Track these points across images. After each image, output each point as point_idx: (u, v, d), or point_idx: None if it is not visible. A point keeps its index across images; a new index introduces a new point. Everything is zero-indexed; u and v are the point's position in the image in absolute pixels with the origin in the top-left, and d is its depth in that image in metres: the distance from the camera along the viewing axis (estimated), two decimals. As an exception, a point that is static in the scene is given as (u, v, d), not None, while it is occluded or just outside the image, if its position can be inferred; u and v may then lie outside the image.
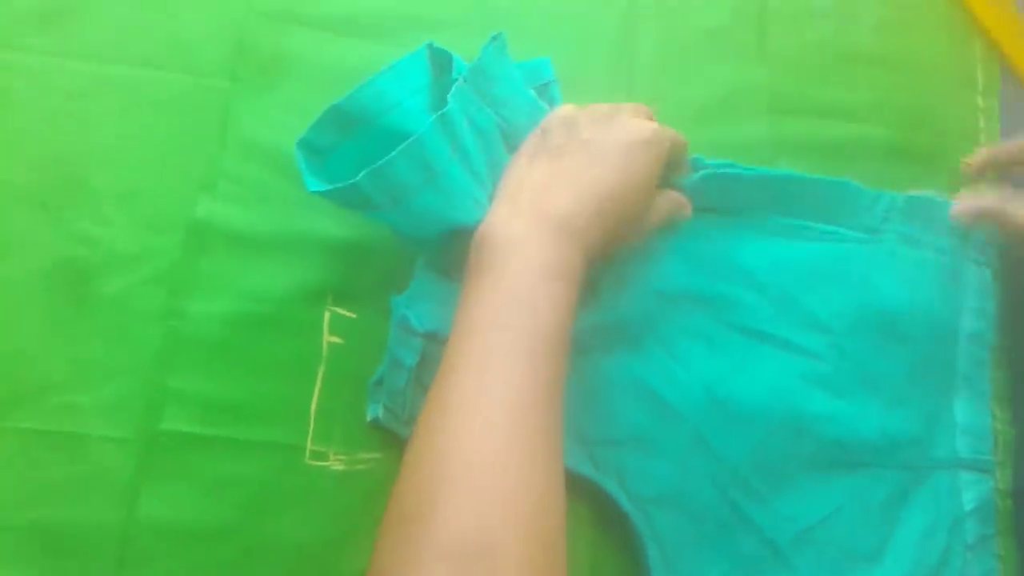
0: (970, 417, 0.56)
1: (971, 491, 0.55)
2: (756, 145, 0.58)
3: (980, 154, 0.59)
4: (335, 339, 0.51)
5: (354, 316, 0.52)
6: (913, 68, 0.62)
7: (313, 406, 0.50)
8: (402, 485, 0.39)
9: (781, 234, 0.56)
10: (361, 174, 0.43)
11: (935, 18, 0.63)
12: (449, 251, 0.48)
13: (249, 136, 0.53)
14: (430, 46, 0.50)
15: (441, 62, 0.50)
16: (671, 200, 0.52)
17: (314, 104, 0.51)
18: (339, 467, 0.50)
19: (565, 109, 0.49)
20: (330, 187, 0.44)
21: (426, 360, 0.48)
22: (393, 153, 0.43)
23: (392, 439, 0.50)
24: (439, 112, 0.44)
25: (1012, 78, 0.63)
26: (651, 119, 0.50)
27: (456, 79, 0.47)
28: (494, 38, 0.49)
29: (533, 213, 0.45)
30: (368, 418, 0.50)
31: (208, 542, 0.48)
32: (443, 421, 0.39)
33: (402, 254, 0.51)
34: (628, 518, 0.50)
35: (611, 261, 0.50)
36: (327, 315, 0.51)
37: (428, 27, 0.56)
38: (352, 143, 0.46)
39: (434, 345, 0.48)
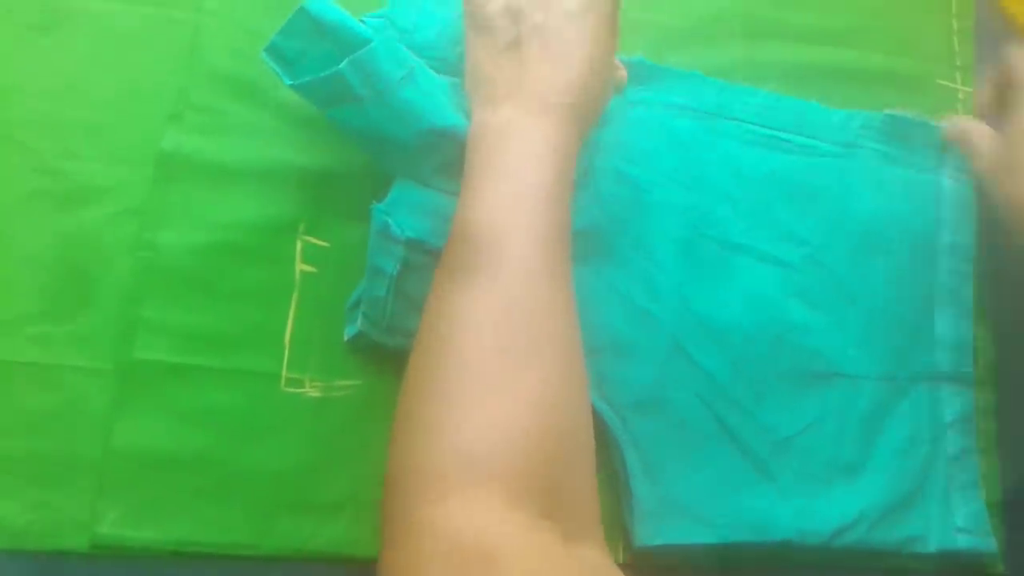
0: (951, 330, 0.57)
1: (952, 404, 0.56)
2: (731, 69, 0.58)
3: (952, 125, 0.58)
4: (308, 268, 0.51)
5: (327, 245, 0.51)
6: (885, -5, 0.62)
7: (288, 334, 0.50)
8: (409, 393, 0.40)
9: (756, 143, 0.56)
10: (344, 62, 0.43)
11: (908, -62, 0.63)
12: (427, 157, 0.48)
13: (216, 66, 0.52)
14: None
15: None
16: (616, 67, 0.51)
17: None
18: (315, 394, 0.50)
19: (495, 3, 0.48)
20: (312, 77, 0.44)
21: (407, 268, 0.48)
22: (373, 43, 0.44)
23: (369, 365, 0.50)
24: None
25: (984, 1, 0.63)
26: None
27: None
28: None
29: (523, 101, 0.45)
30: (345, 337, 0.50)
31: (185, 470, 0.48)
32: (451, 325, 0.40)
33: (374, 182, 0.51)
34: (607, 425, 0.50)
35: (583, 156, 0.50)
36: (299, 244, 0.51)
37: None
38: (319, 51, 0.46)
39: (415, 253, 0.47)
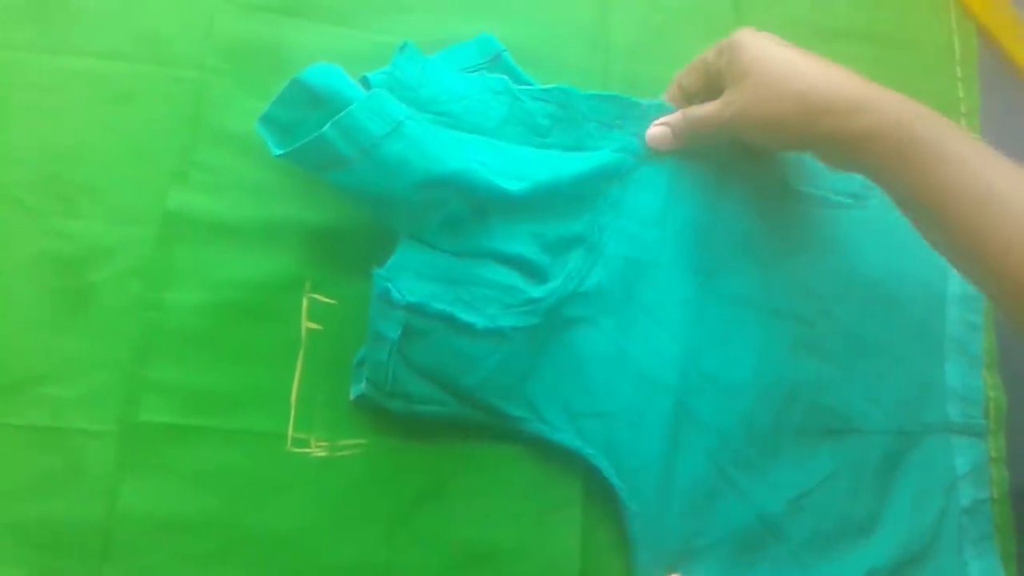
0: (961, 381, 0.56)
1: (964, 455, 0.55)
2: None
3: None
4: (314, 325, 0.51)
5: (333, 302, 0.51)
6: (889, 41, 0.62)
7: (294, 393, 0.50)
8: None
9: (766, 196, 0.55)
10: (327, 125, 0.44)
11: (909, -10, 0.63)
12: (430, 212, 0.48)
13: (220, 125, 0.52)
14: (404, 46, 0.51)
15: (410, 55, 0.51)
16: None
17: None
18: (321, 453, 0.49)
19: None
20: (297, 144, 0.45)
21: (409, 333, 0.47)
22: (354, 103, 0.44)
23: (375, 424, 0.50)
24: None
25: (989, 46, 0.63)
26: None
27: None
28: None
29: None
30: (351, 396, 0.50)
31: (191, 533, 0.47)
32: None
33: (380, 239, 0.51)
34: (615, 491, 0.49)
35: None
36: (305, 301, 0.51)
37: (401, 12, 0.56)
38: (315, 120, 0.46)
39: (417, 318, 0.47)
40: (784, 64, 0.48)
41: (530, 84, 0.54)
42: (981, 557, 0.54)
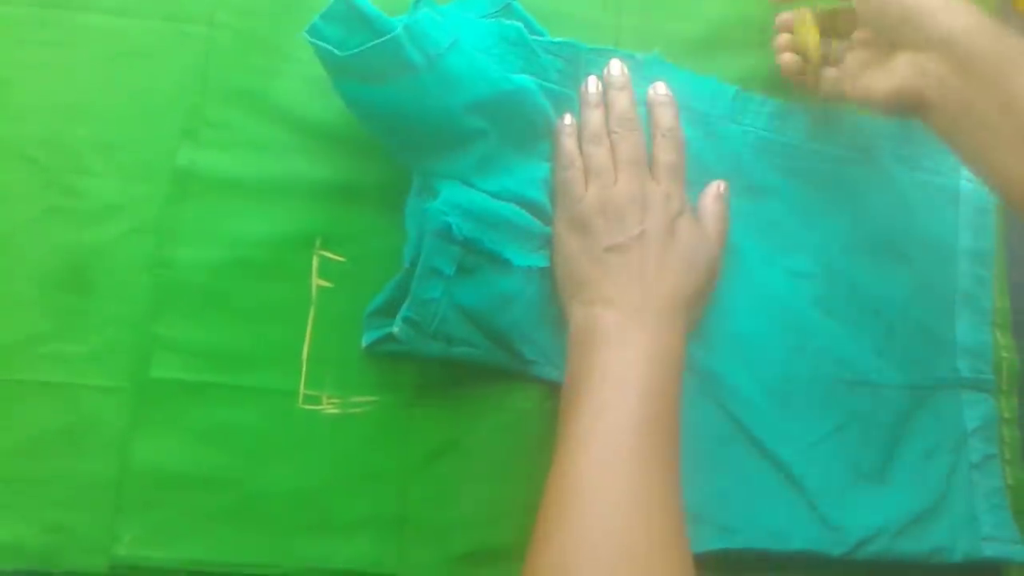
0: (971, 336, 0.56)
1: (973, 410, 0.55)
2: (748, 79, 0.57)
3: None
4: (324, 283, 0.50)
5: (343, 260, 0.51)
6: None
7: (305, 350, 0.50)
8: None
9: (766, 151, 0.55)
10: (398, 28, 0.44)
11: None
12: (471, 146, 0.48)
13: (230, 81, 0.52)
14: None
15: None
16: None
17: (293, 46, 0.51)
18: (333, 411, 0.49)
19: (589, 200, 0.49)
20: (368, 44, 0.44)
21: (460, 271, 0.47)
22: (421, 13, 0.45)
23: (385, 381, 0.50)
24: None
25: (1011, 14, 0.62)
26: (672, 172, 0.51)
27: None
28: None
29: (630, 310, 0.46)
30: (363, 344, 0.49)
31: (204, 489, 0.47)
32: (563, 499, 0.41)
33: (390, 195, 0.51)
34: None
35: None
36: (315, 259, 0.51)
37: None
38: (357, 38, 0.45)
39: (469, 255, 0.47)
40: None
41: (542, 34, 0.54)
42: (992, 511, 0.54)
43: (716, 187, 0.53)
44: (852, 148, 0.57)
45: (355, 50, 0.45)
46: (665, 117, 0.52)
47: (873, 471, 0.53)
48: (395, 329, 0.47)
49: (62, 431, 0.47)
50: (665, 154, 0.51)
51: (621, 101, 0.52)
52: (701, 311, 0.51)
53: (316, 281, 0.50)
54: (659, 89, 0.53)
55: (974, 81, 0.43)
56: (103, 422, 0.47)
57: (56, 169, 0.50)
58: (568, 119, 0.52)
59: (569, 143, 0.51)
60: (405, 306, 0.47)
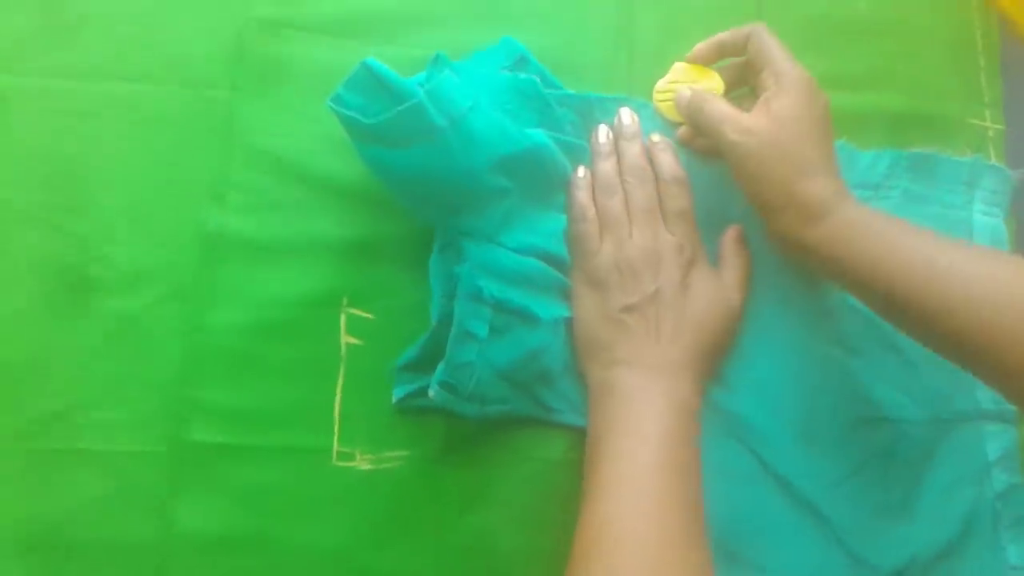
0: None
1: (995, 441, 0.56)
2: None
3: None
4: (353, 340, 0.51)
5: (370, 316, 0.52)
6: (911, 34, 0.62)
7: (336, 407, 0.50)
8: None
9: None
10: (420, 94, 0.45)
11: (929, -18, 0.63)
12: (495, 204, 0.49)
13: (253, 144, 0.53)
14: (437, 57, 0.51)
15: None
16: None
17: (315, 108, 0.52)
18: (366, 467, 0.50)
19: (604, 255, 0.51)
20: (393, 112, 0.45)
21: (493, 331, 0.48)
22: (441, 77, 0.46)
23: (416, 435, 0.51)
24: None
25: (1011, 36, 0.63)
26: (685, 224, 0.52)
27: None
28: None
29: (648, 370, 0.48)
30: (394, 399, 0.50)
31: (244, 550, 0.48)
32: (593, 543, 0.43)
33: (413, 253, 0.52)
34: None
35: None
36: (343, 316, 0.52)
37: (425, 25, 0.56)
38: (378, 104, 0.46)
39: (500, 314, 0.48)
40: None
41: (557, 86, 0.55)
42: (1018, 540, 0.55)
43: (734, 233, 0.54)
44: (865, 185, 0.57)
45: (381, 117, 0.46)
46: (667, 164, 0.53)
47: (899, 506, 0.54)
48: (431, 393, 0.48)
49: (104, 498, 0.48)
50: (673, 201, 0.52)
51: (632, 150, 0.53)
52: (720, 361, 0.53)
53: (345, 338, 0.51)
54: (655, 138, 0.55)
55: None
56: (143, 488, 0.48)
57: (87, 238, 0.51)
58: (581, 171, 0.53)
59: (582, 196, 0.52)
60: (441, 371, 0.48)
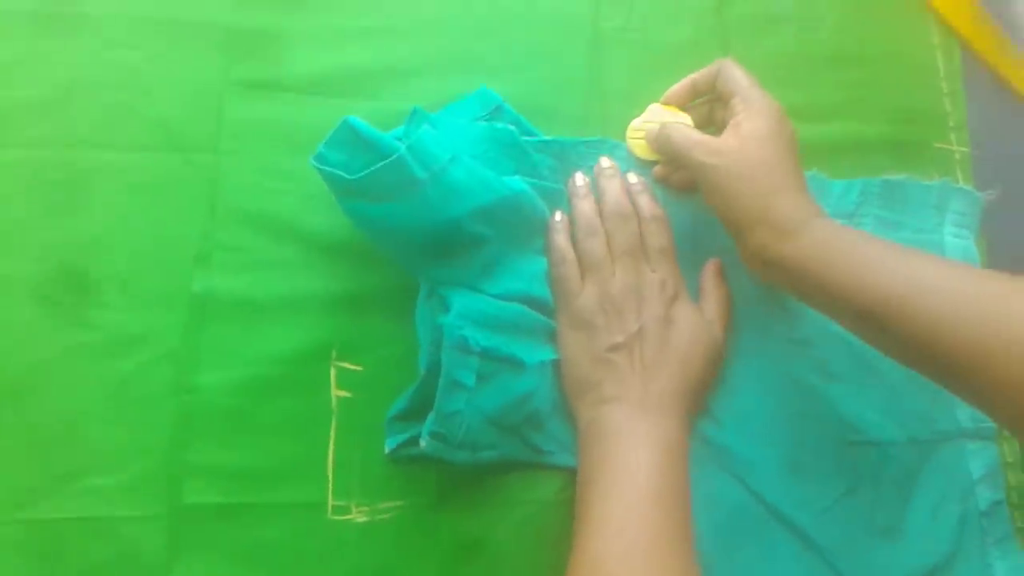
0: None
1: (978, 459, 0.57)
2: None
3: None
4: (343, 393, 0.52)
5: (359, 368, 0.53)
6: (875, 63, 0.63)
7: (330, 461, 0.51)
8: None
9: None
10: (401, 149, 0.46)
11: (890, 12, 0.65)
12: (475, 253, 0.50)
13: (238, 205, 0.54)
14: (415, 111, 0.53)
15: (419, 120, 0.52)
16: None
17: (297, 166, 0.53)
18: (362, 519, 0.51)
19: (587, 296, 0.52)
20: (376, 167, 0.46)
21: (480, 379, 0.49)
22: (420, 132, 0.47)
23: (409, 484, 0.51)
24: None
25: (972, 61, 0.64)
26: (662, 259, 0.53)
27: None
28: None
29: (627, 401, 0.49)
30: (386, 450, 0.51)
31: (243, 609, 0.49)
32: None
33: (399, 305, 0.53)
34: None
35: None
36: (333, 370, 0.52)
37: (400, 78, 0.58)
38: (359, 161, 0.48)
39: (487, 363, 0.49)
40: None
41: (534, 134, 0.56)
42: (1005, 557, 0.56)
43: (713, 267, 0.55)
44: (838, 214, 0.59)
45: (363, 173, 0.47)
46: (645, 203, 0.55)
47: (888, 528, 0.55)
48: (422, 443, 0.49)
49: (105, 564, 0.48)
50: (653, 239, 0.54)
51: (612, 189, 0.55)
52: (706, 393, 0.53)
53: (335, 392, 0.52)
54: (631, 178, 0.56)
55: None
56: (143, 552, 0.49)
57: (73, 305, 0.51)
58: (558, 216, 0.54)
59: (560, 239, 0.54)
60: (430, 421, 0.49)
